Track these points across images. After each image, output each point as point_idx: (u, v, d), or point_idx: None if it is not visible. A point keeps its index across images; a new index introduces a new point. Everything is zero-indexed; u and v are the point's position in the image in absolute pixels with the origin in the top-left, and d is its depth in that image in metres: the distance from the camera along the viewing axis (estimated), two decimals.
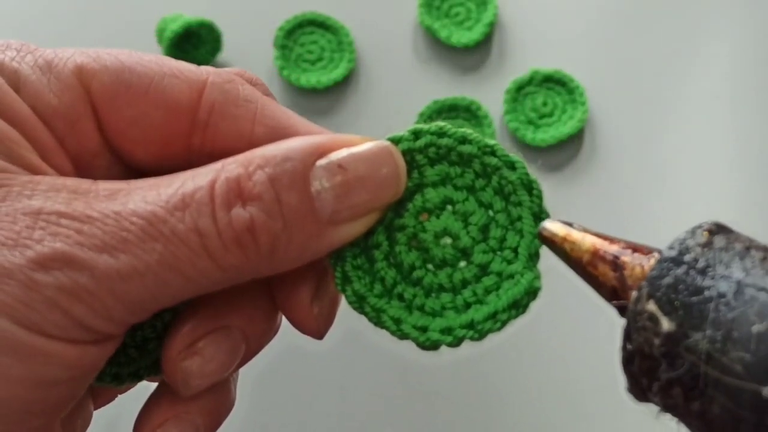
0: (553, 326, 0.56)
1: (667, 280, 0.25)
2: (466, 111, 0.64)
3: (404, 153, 0.30)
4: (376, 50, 0.66)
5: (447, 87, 0.65)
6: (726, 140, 0.63)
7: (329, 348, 0.36)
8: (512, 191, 0.30)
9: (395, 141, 0.30)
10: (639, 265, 0.27)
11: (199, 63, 0.65)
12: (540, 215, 0.30)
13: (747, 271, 0.25)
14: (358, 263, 0.30)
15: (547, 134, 0.63)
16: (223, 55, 0.66)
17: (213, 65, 0.65)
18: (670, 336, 0.25)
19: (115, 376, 0.32)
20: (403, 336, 0.30)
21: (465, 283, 0.30)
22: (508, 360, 0.57)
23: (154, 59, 0.30)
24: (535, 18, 0.66)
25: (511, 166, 0.30)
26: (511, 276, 0.30)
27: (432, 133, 0.30)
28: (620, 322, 0.26)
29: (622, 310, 0.27)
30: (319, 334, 0.31)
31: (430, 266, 0.30)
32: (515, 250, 0.30)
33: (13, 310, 0.25)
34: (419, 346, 0.30)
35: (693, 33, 0.65)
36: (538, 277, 0.30)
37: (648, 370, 0.25)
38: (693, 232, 0.27)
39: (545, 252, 0.30)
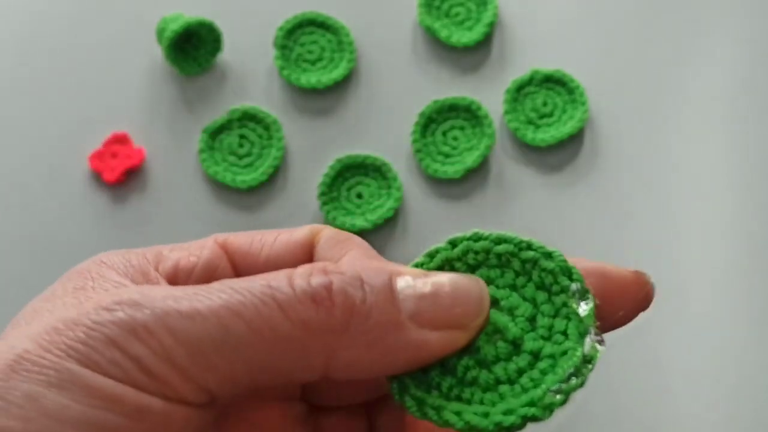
0: None
1: None
2: (466, 111, 0.64)
3: (443, 263, 0.31)
4: (376, 50, 0.66)
5: (447, 87, 0.65)
6: (726, 140, 0.63)
7: None
8: (553, 281, 0.31)
9: (434, 252, 0.31)
10: None
11: (200, 63, 0.65)
12: (584, 296, 0.30)
13: None
14: (413, 374, 0.30)
15: (547, 134, 0.63)
16: (223, 55, 0.66)
17: (213, 65, 0.65)
18: None
19: None
20: (466, 425, 0.29)
21: (520, 372, 0.30)
22: None
23: None
24: (535, 18, 0.66)
25: (548, 255, 0.31)
26: (565, 352, 0.30)
27: (468, 239, 0.31)
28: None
29: None
30: None
31: (483, 365, 0.30)
32: (564, 333, 0.30)
33: (77, 352, 0.25)
34: None
35: (694, 33, 0.65)
36: (593, 346, 0.29)
37: None
38: None
39: None
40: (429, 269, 0.30)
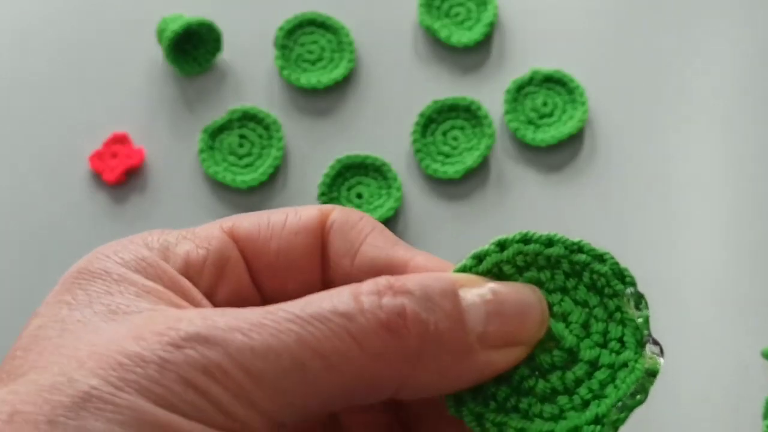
0: None
1: None
2: (466, 111, 0.64)
3: (492, 266, 0.30)
4: (376, 50, 0.66)
5: (447, 87, 0.65)
6: (726, 140, 0.63)
7: None
8: (605, 284, 0.30)
9: (482, 255, 0.30)
10: None
11: (200, 63, 0.65)
12: (638, 302, 0.30)
13: None
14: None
15: (547, 134, 0.63)
16: (223, 55, 0.66)
17: (213, 65, 0.65)
18: None
19: None
20: None
21: (578, 382, 0.29)
22: None
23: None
24: (535, 18, 0.66)
25: (600, 258, 0.30)
26: (625, 364, 0.29)
27: (517, 241, 0.30)
28: None
29: None
30: None
31: (538, 373, 0.30)
32: (621, 341, 0.29)
33: (149, 392, 0.24)
34: None
35: (693, 33, 0.65)
36: (654, 358, 0.29)
37: None
38: None
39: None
40: (477, 272, 0.30)
